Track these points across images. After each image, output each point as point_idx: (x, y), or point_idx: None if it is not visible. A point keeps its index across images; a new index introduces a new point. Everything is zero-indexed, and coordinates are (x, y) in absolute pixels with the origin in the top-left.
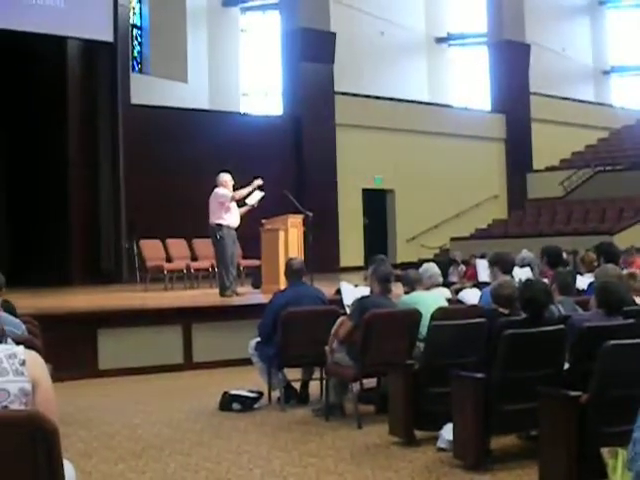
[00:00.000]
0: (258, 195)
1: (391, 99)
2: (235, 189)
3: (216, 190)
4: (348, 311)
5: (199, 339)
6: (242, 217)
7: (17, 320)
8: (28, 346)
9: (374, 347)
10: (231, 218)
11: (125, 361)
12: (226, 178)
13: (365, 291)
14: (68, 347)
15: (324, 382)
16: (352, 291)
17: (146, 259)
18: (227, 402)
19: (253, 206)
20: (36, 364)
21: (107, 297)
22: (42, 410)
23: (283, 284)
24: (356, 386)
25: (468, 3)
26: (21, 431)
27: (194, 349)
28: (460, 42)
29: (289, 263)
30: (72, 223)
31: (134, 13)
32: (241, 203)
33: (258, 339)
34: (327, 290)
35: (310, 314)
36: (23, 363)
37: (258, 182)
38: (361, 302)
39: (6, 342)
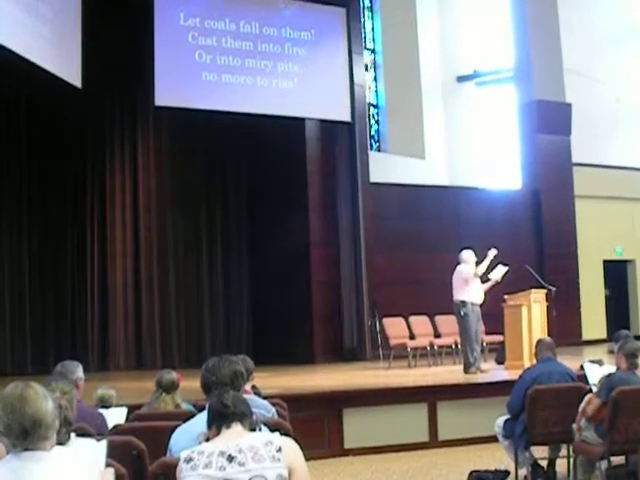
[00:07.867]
0: (502, 270)
1: (630, 168)
2: (476, 264)
3: (459, 267)
4: (594, 389)
5: (444, 417)
6: (486, 293)
7: (266, 402)
8: (278, 429)
9: (622, 425)
10: (474, 294)
11: (370, 440)
12: (468, 255)
13: (610, 369)
14: (314, 426)
15: (571, 460)
16: (596, 370)
17: (389, 337)
18: None
19: (497, 281)
20: (292, 450)
21: (351, 375)
22: None
23: (527, 360)
24: (604, 464)
25: None
26: None
27: (439, 427)
28: None
29: (540, 340)
30: (314, 302)
31: (370, 92)
32: (485, 278)
33: (506, 417)
34: (570, 364)
35: (557, 391)
36: (279, 450)
37: (493, 252)
38: (609, 379)
39: (260, 430)
